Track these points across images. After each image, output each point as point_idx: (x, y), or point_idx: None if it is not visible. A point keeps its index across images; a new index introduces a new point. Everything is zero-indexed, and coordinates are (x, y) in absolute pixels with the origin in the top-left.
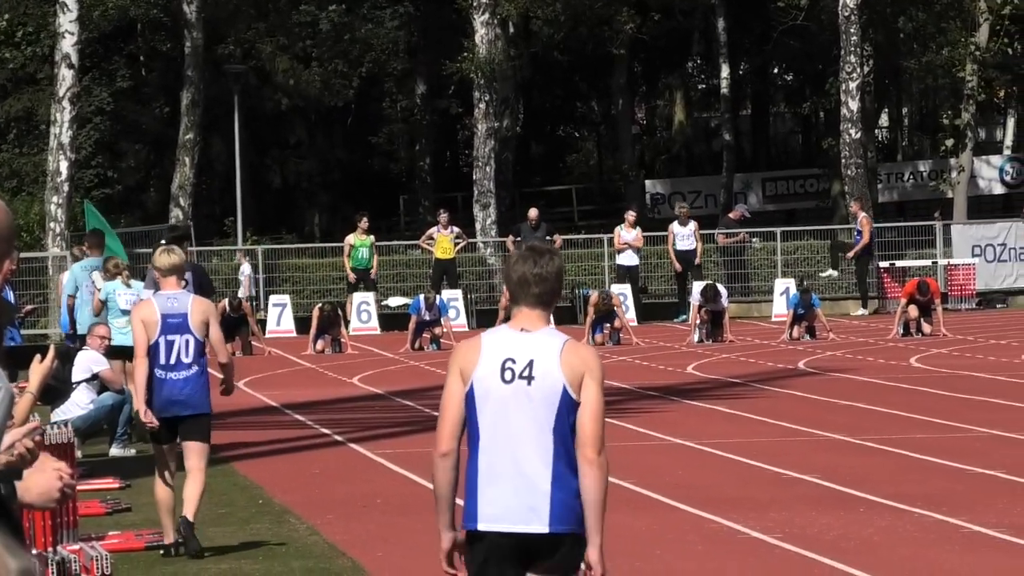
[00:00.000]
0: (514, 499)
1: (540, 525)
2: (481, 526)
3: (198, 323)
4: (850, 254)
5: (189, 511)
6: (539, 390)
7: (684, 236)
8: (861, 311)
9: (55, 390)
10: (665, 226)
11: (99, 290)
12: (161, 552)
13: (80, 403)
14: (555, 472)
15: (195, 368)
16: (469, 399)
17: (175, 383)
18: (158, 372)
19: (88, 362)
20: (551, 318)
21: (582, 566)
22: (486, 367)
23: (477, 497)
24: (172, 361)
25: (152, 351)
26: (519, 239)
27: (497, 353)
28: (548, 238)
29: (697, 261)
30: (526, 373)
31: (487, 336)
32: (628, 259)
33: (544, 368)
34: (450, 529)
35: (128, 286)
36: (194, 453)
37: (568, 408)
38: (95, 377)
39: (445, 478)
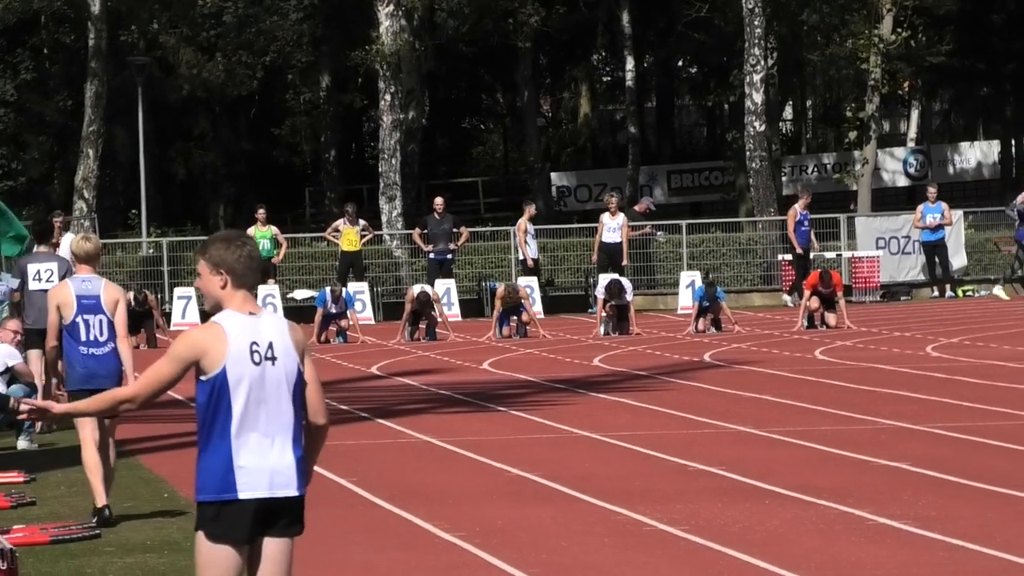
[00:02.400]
0: (273, 469)
1: (292, 490)
2: (242, 495)
3: (110, 304)
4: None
5: (101, 498)
6: (282, 369)
7: (612, 228)
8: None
9: None
10: (571, 219)
11: None
12: (93, 519)
13: None
14: (296, 441)
15: (111, 345)
16: (222, 383)
17: (97, 358)
18: (81, 348)
19: (2, 356)
20: None
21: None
22: (236, 352)
23: (234, 471)
24: (90, 338)
25: (72, 330)
26: (426, 231)
27: (242, 338)
28: (455, 230)
29: (624, 262)
30: (270, 354)
31: (225, 322)
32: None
33: (282, 348)
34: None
35: None
36: (111, 424)
37: (301, 382)
38: (7, 370)
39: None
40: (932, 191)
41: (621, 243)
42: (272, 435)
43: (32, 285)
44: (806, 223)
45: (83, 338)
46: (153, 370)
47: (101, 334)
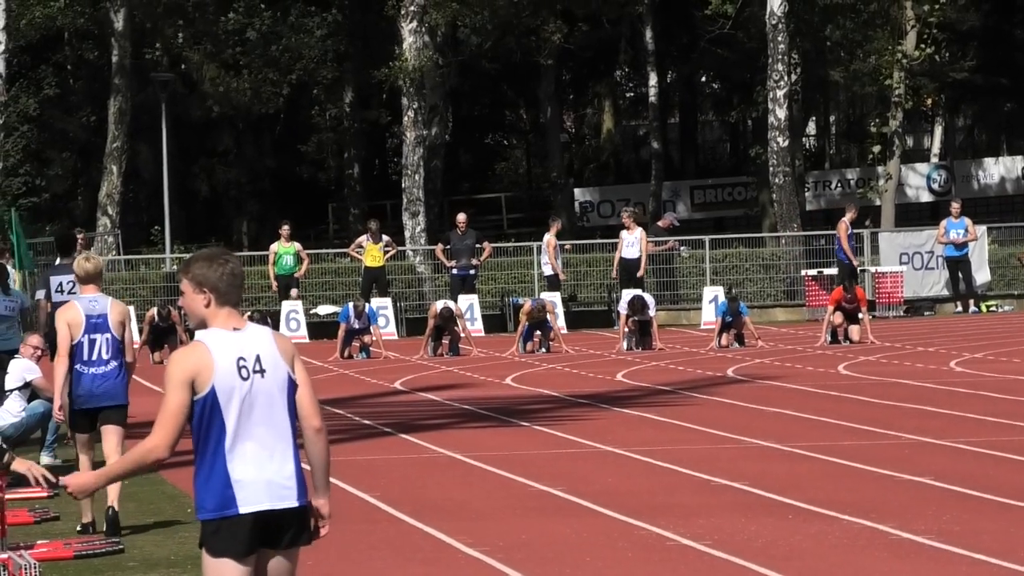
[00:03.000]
0: (271, 481)
1: (293, 501)
2: (242, 509)
3: (116, 323)
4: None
5: (113, 498)
6: (273, 380)
7: (630, 243)
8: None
9: None
10: (594, 234)
11: None
12: (78, 529)
13: (11, 411)
14: (294, 450)
15: (113, 364)
16: (212, 401)
17: (95, 377)
18: (80, 367)
19: (22, 371)
20: None
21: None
22: (223, 369)
23: (232, 487)
24: (93, 357)
25: (76, 349)
26: (448, 247)
27: (228, 354)
28: (477, 246)
29: (640, 273)
30: (258, 368)
31: (210, 340)
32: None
33: (270, 359)
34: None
35: (7, 294)
36: (111, 435)
37: (292, 390)
38: (27, 385)
39: (147, 469)
40: (956, 207)
41: (639, 258)
42: (270, 447)
43: (56, 297)
44: (852, 238)
45: (85, 358)
46: (163, 410)
47: (106, 352)
